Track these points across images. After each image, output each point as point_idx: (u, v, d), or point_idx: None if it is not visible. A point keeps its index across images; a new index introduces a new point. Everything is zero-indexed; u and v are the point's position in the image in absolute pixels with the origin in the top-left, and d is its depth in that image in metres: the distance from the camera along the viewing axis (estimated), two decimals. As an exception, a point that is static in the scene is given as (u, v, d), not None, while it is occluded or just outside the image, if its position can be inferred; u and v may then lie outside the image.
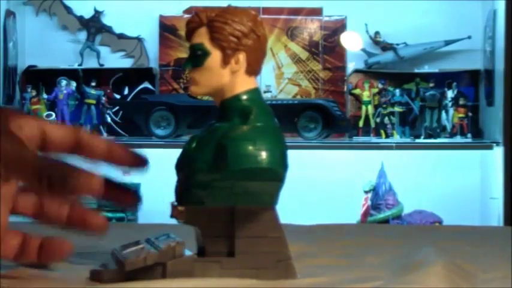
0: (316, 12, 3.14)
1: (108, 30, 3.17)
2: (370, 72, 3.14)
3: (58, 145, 0.67)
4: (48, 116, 3.03)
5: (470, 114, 3.02)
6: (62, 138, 0.67)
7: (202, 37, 0.67)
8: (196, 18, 0.68)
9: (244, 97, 0.67)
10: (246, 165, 0.64)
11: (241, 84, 0.68)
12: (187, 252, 0.66)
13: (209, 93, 0.68)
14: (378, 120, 3.05)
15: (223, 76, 0.67)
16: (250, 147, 0.64)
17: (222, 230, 0.65)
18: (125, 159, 0.68)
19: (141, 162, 0.67)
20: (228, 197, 0.65)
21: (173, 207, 0.66)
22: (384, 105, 3.04)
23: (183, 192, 0.66)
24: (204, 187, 0.65)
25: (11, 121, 0.65)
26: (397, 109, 3.04)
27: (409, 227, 1.73)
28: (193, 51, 0.67)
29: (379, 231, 1.15)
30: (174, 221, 0.67)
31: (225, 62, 0.67)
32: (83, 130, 0.70)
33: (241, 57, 0.67)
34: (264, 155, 0.64)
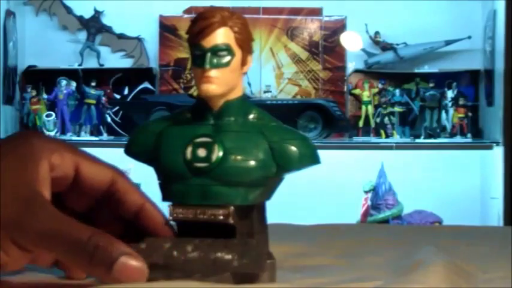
0: (316, 12, 3.14)
1: (108, 30, 3.18)
2: (370, 72, 3.14)
3: (90, 186, 0.61)
4: (49, 115, 3.03)
5: (470, 114, 3.02)
6: (96, 177, 0.61)
7: (227, 37, 0.67)
8: (219, 17, 0.67)
9: (244, 98, 0.70)
10: (316, 161, 0.68)
11: (241, 86, 0.69)
12: None
13: (223, 93, 0.68)
14: (378, 120, 3.05)
15: (238, 77, 0.68)
16: (310, 145, 0.68)
17: (246, 227, 0.66)
18: (152, 226, 0.63)
19: (165, 233, 0.64)
20: (269, 193, 0.66)
21: (173, 208, 0.66)
22: (384, 105, 3.04)
23: (228, 191, 0.66)
24: (257, 186, 0.65)
25: (44, 159, 0.57)
26: (397, 109, 3.04)
27: (409, 227, 1.73)
28: (217, 50, 0.67)
29: (379, 231, 1.15)
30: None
31: (243, 63, 0.68)
32: (121, 172, 0.63)
33: (250, 59, 0.69)
34: (317, 151, 0.69)
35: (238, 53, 0.68)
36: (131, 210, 0.63)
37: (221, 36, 0.67)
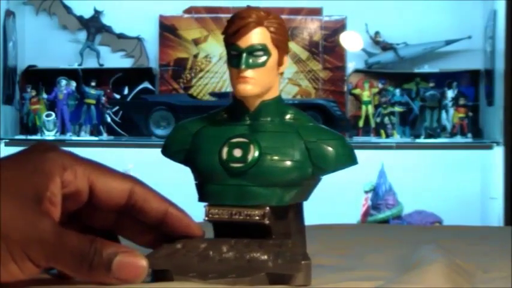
0: (316, 12, 3.14)
1: (108, 30, 3.18)
2: (370, 72, 3.14)
3: (107, 201, 0.60)
4: (48, 115, 3.03)
5: (470, 114, 3.02)
6: (113, 191, 0.60)
7: (264, 38, 0.67)
8: (255, 17, 0.67)
9: (281, 98, 0.69)
10: (353, 161, 0.69)
11: (278, 86, 0.69)
12: None
13: (259, 93, 0.67)
14: (378, 120, 3.05)
15: (275, 77, 0.68)
16: (347, 145, 0.68)
17: (283, 227, 0.66)
18: (179, 229, 0.62)
19: (195, 234, 0.63)
20: (306, 194, 0.67)
21: (209, 208, 0.65)
22: (384, 105, 3.04)
23: (264, 192, 0.65)
24: (293, 186, 0.65)
25: (56, 175, 0.56)
26: (397, 109, 3.04)
27: (409, 227, 1.73)
28: (253, 51, 0.67)
29: (379, 231, 1.15)
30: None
31: (279, 63, 0.68)
32: (138, 181, 0.61)
33: (286, 59, 0.69)
34: (353, 151, 0.69)
35: (274, 53, 0.67)
36: (155, 218, 0.62)
37: (257, 36, 0.67)
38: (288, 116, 0.68)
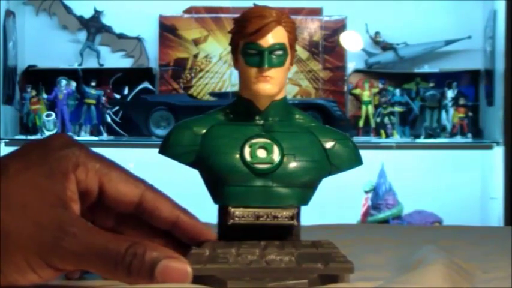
0: (316, 12, 3.14)
1: (108, 30, 3.18)
2: (370, 72, 3.14)
3: (115, 205, 0.59)
4: (48, 115, 3.03)
5: (470, 114, 3.02)
6: (122, 197, 0.58)
7: (283, 37, 0.67)
8: (274, 16, 0.66)
9: (286, 98, 0.69)
10: (361, 161, 0.69)
11: (285, 86, 0.69)
12: None
13: (276, 92, 0.67)
14: (378, 120, 3.05)
15: (286, 76, 0.68)
16: (355, 145, 0.69)
17: (296, 228, 0.66)
18: (192, 235, 0.61)
19: (209, 238, 0.62)
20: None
21: (233, 211, 0.64)
22: (384, 105, 3.04)
23: (290, 193, 0.65)
24: (311, 187, 0.66)
25: (71, 172, 0.55)
26: (397, 109, 3.04)
27: (409, 227, 1.73)
28: (273, 50, 0.66)
29: (379, 231, 1.15)
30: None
31: (291, 63, 0.69)
32: (150, 187, 0.60)
33: (293, 59, 0.69)
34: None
35: (289, 52, 0.67)
36: (164, 225, 0.61)
37: (278, 35, 0.67)
38: (296, 116, 0.68)
